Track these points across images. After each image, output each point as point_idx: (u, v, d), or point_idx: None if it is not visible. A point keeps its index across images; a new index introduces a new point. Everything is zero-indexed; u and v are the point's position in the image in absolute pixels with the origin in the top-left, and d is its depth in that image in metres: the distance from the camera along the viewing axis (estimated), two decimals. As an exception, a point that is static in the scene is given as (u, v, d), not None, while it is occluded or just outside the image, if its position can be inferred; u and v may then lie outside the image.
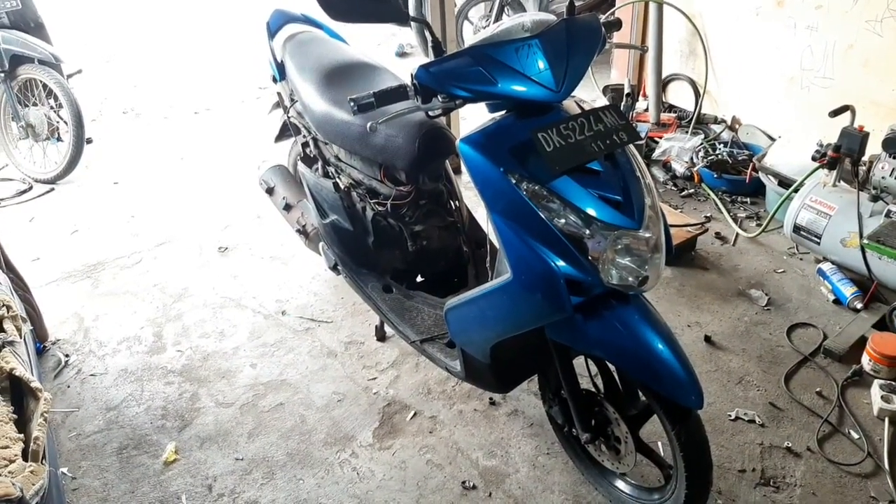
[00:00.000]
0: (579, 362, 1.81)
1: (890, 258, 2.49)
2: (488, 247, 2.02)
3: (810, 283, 2.86)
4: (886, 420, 2.13)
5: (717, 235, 3.24)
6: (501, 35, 1.46)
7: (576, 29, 1.49)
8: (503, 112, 1.53)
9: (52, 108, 4.04)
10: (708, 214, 3.43)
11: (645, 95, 4.36)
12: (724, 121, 4.03)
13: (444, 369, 2.08)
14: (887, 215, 2.57)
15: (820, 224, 2.75)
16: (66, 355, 2.61)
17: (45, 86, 3.95)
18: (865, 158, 2.70)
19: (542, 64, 1.42)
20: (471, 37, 4.16)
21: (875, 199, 2.64)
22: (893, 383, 2.23)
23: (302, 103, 2.40)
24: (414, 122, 1.99)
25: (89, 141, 4.03)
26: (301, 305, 2.87)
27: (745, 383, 2.34)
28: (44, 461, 1.60)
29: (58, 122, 4.05)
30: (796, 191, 2.94)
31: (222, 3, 8.66)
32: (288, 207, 2.81)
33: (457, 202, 2.34)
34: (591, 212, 1.39)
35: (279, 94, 2.70)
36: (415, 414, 2.28)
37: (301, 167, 2.58)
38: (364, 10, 1.51)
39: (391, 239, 2.32)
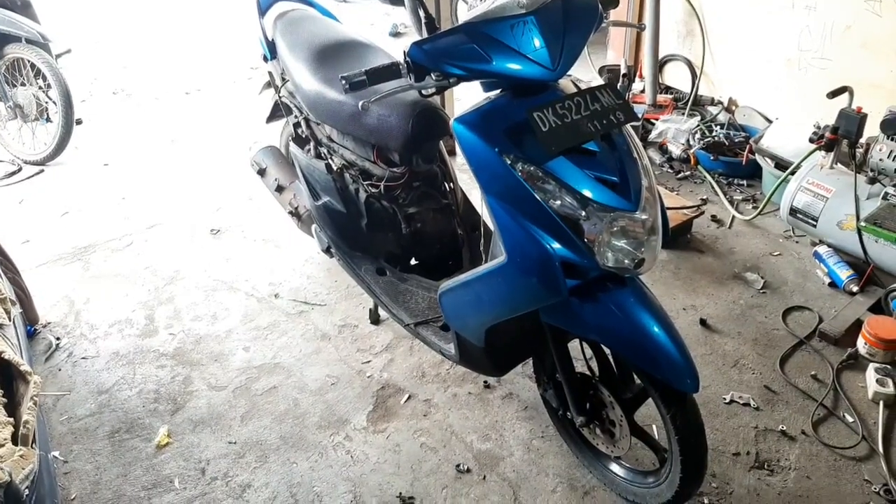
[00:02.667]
0: (574, 345, 1.80)
1: (887, 241, 2.48)
2: (482, 229, 2.00)
3: (806, 266, 2.86)
4: (881, 403, 2.13)
5: (713, 218, 3.23)
6: (496, 11, 1.43)
7: (572, 5, 1.46)
8: (498, 91, 1.50)
9: (40, 88, 3.96)
10: (704, 197, 3.41)
11: (641, 76, 4.32)
12: (720, 102, 4.00)
13: (438, 353, 2.06)
14: (884, 198, 2.56)
15: (817, 207, 2.74)
16: (57, 338, 2.58)
17: (33, 66, 3.88)
18: (863, 140, 2.68)
19: (537, 41, 1.39)
20: (465, 16, 4.11)
21: (872, 181, 2.62)
22: (888, 367, 2.23)
23: (293, 83, 2.36)
24: (407, 102, 1.95)
25: (79, 122, 3.96)
26: (294, 288, 2.85)
27: (741, 366, 2.34)
28: (34, 445, 1.59)
29: (47, 103, 3.98)
30: (793, 173, 2.92)
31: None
32: (280, 189, 2.78)
33: (451, 184, 2.31)
34: (588, 193, 1.36)
35: (270, 73, 2.66)
36: (409, 397, 2.27)
37: (293, 148, 2.55)
38: None
39: (385, 221, 2.29)
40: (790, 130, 3.23)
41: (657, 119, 3.90)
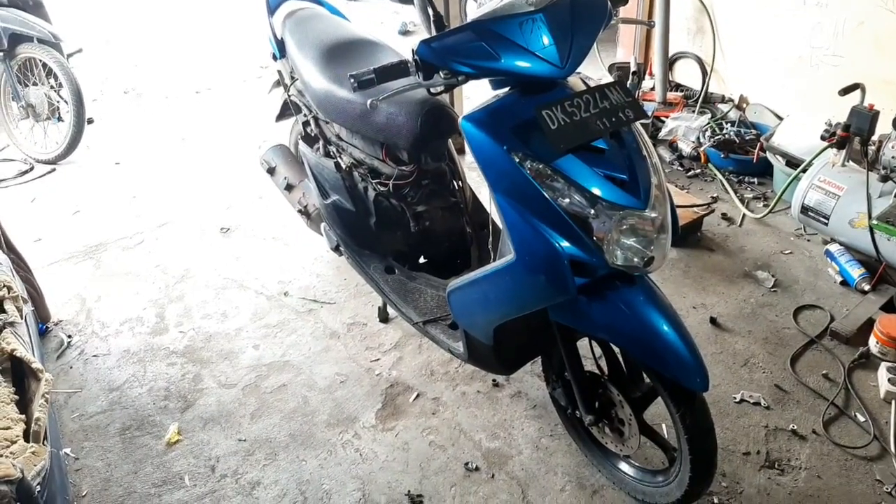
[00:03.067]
0: (583, 344, 1.80)
1: (899, 239, 2.46)
2: (491, 227, 1.99)
3: (817, 265, 2.83)
4: (893, 403, 2.11)
5: (724, 216, 3.21)
6: (505, 9, 1.42)
7: (581, 3, 1.46)
8: (507, 89, 1.50)
9: (52, 87, 4.00)
10: (714, 195, 3.39)
11: (651, 74, 4.30)
12: (731, 100, 3.97)
13: (446, 351, 2.06)
14: (897, 195, 2.53)
15: (828, 204, 2.72)
16: (69, 336, 2.61)
17: (44, 65, 3.91)
18: (875, 138, 2.66)
19: (546, 39, 1.38)
20: (474, 14, 4.10)
21: (884, 179, 2.60)
22: (901, 365, 2.21)
23: (302, 81, 2.36)
24: (416, 100, 1.95)
25: (90, 121, 3.99)
26: (303, 287, 2.86)
27: (751, 365, 2.33)
28: (45, 442, 1.60)
29: (58, 102, 4.01)
30: (804, 171, 2.90)
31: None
32: (289, 188, 2.79)
33: (460, 182, 2.31)
34: (596, 191, 1.36)
35: (279, 72, 2.66)
36: (417, 395, 2.28)
37: (302, 147, 2.55)
38: None
39: (393, 219, 2.29)
40: (801, 128, 3.20)
41: (667, 117, 3.88)
